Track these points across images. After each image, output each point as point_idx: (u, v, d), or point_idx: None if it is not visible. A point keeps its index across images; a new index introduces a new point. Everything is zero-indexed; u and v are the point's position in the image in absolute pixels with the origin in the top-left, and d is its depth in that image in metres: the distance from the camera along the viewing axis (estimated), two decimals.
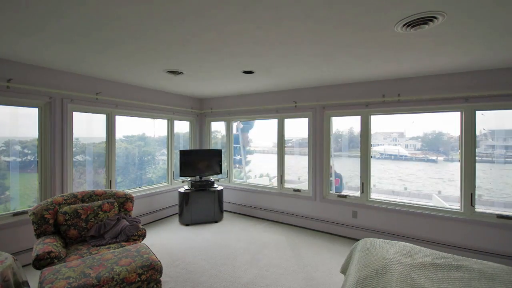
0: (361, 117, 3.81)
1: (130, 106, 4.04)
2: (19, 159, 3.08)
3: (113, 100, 3.79)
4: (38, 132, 3.13)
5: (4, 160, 2.97)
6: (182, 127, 5.29)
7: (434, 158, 3.89)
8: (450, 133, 3.61)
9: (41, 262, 2.06)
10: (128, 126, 4.31)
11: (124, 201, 3.02)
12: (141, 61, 2.83)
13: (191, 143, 5.42)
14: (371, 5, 1.61)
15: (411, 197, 3.91)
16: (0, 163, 2.95)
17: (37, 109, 3.11)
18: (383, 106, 3.58)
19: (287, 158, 4.60)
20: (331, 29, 1.97)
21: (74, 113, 3.40)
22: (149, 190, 4.45)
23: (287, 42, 2.24)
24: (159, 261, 2.13)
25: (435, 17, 1.74)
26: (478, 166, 3.12)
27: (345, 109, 3.88)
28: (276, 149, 4.65)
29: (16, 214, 2.91)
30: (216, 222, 4.39)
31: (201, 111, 5.47)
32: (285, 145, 4.61)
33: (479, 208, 3.12)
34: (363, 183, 3.78)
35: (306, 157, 4.26)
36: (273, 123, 4.71)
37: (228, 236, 3.78)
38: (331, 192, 4.08)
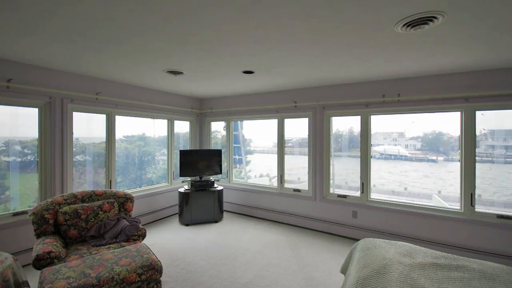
0: (361, 117, 3.81)
1: (130, 106, 4.04)
2: (19, 159, 3.08)
3: (113, 100, 3.79)
4: (38, 132, 3.13)
5: (4, 160, 2.97)
6: (182, 127, 5.29)
7: (434, 158, 3.89)
8: (450, 133, 3.61)
9: (41, 262, 2.06)
10: (128, 126, 4.31)
11: (124, 201, 3.02)
12: (141, 61, 2.83)
13: (191, 143, 5.42)
14: (371, 4, 1.61)
15: (411, 197, 3.91)
16: (0, 163, 2.95)
17: (37, 109, 3.11)
18: (383, 106, 3.58)
19: (287, 158, 4.60)
20: (331, 29, 1.97)
21: (74, 113, 3.40)
22: (149, 190, 4.45)
23: (287, 42, 2.24)
24: (159, 261, 2.13)
25: (435, 17, 1.74)
26: (478, 166, 3.12)
27: (345, 109, 3.88)
28: (276, 149, 4.65)
29: (16, 214, 2.91)
30: (216, 222, 4.39)
31: (201, 111, 5.47)
32: (285, 145, 4.61)
33: (479, 208, 3.12)
34: (363, 183, 3.78)
35: (306, 157, 4.26)
36: (273, 123, 4.71)
37: (228, 236, 3.78)
38: (331, 192, 4.08)
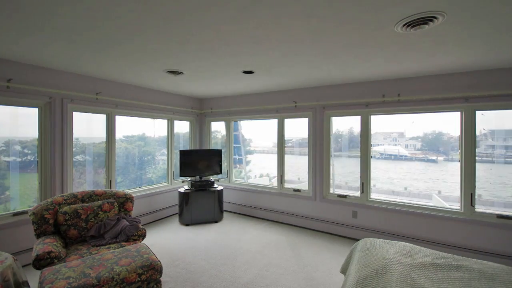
0: (361, 117, 3.81)
1: (130, 106, 4.04)
2: (19, 159, 3.08)
3: (113, 100, 3.79)
4: (38, 132, 3.13)
5: (4, 160, 2.97)
6: (182, 127, 5.29)
7: (434, 158, 3.89)
8: (450, 133, 3.61)
9: (41, 262, 2.06)
10: (128, 126, 4.31)
11: (124, 201, 3.02)
12: (141, 61, 2.83)
13: (191, 143, 5.42)
14: (371, 4, 1.61)
15: (411, 197, 3.91)
16: (0, 163, 2.95)
17: (37, 109, 3.11)
18: (383, 106, 3.58)
19: (287, 158, 4.60)
20: (331, 29, 1.97)
21: (74, 113, 3.40)
22: (149, 190, 4.45)
23: (287, 42, 2.24)
24: (159, 261, 2.13)
25: (435, 17, 1.74)
26: (478, 166, 3.12)
27: (345, 109, 3.88)
28: (276, 149, 4.65)
29: (16, 214, 2.91)
30: (216, 222, 4.39)
31: (201, 111, 5.47)
32: (285, 145, 4.61)
33: (479, 208, 3.12)
34: (363, 183, 3.78)
35: (306, 157, 4.26)
36: (273, 123, 4.71)
37: (228, 236, 3.78)
38: (331, 192, 4.08)
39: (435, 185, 3.86)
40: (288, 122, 4.56)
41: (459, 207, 3.22)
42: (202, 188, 4.41)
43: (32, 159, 3.14)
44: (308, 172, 4.23)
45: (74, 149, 3.45)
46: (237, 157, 5.42)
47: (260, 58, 2.68)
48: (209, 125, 5.51)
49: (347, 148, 4.27)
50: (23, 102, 2.97)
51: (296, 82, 3.80)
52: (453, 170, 3.40)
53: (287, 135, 4.60)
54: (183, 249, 3.33)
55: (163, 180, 4.88)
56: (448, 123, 3.49)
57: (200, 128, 5.52)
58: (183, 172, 4.46)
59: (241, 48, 2.39)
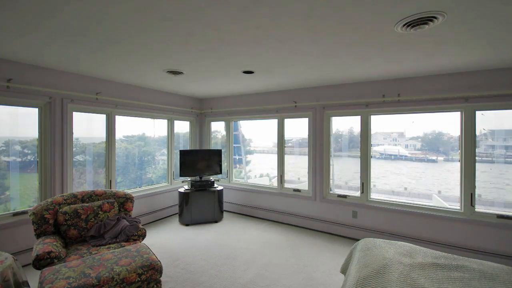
0: (361, 117, 3.81)
1: (130, 106, 4.04)
2: (19, 159, 3.08)
3: (113, 100, 3.79)
4: (38, 132, 3.13)
5: (4, 160, 2.97)
6: (182, 127, 5.29)
7: (434, 158, 3.89)
8: (450, 133, 3.61)
9: (41, 262, 2.06)
10: (128, 126, 4.31)
11: (124, 201, 3.02)
12: (141, 61, 2.83)
13: (191, 143, 5.42)
14: (371, 5, 1.61)
15: (411, 197, 3.91)
16: (0, 163, 2.95)
17: (37, 109, 3.11)
18: (383, 106, 3.58)
19: (287, 158, 4.60)
20: (331, 29, 1.97)
21: (74, 113, 3.40)
22: (149, 190, 4.45)
23: (287, 42, 2.24)
24: (159, 261, 2.13)
25: (435, 17, 1.74)
26: (478, 166, 3.12)
27: (345, 109, 3.88)
28: (276, 149, 4.65)
29: (16, 214, 2.91)
30: (216, 222, 4.39)
31: (201, 111, 5.47)
32: (285, 145, 4.61)
33: (479, 208, 3.12)
34: (363, 183, 3.78)
35: (306, 157, 4.26)
36: (273, 123, 4.71)
37: (228, 236, 3.78)
38: (331, 192, 4.08)
39: (435, 185, 3.86)
40: (288, 122, 4.56)
41: (459, 207, 3.22)
42: (202, 188, 4.41)
43: (32, 159, 3.14)
44: (308, 172, 4.23)
45: (74, 149, 3.45)
46: (237, 157, 5.42)
47: (260, 58, 2.68)
48: (209, 125, 5.51)
49: (347, 148, 4.27)
50: (23, 102, 2.97)
51: (296, 82, 3.80)
52: (453, 170, 3.40)
53: (287, 135, 4.60)
54: (183, 249, 3.33)
55: (163, 180, 4.88)
56: (448, 123, 3.49)
57: (200, 128, 5.52)
58: (183, 172, 4.46)
59: (241, 48, 2.39)
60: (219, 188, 4.52)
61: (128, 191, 4.05)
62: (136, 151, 4.55)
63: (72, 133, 3.37)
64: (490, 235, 2.98)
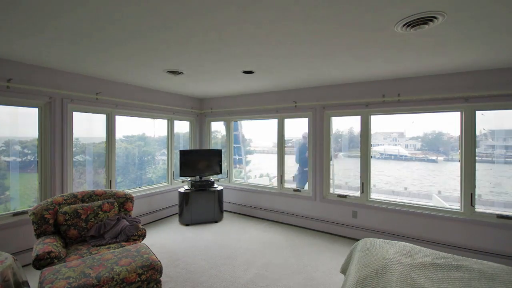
0: (361, 117, 3.81)
1: (130, 106, 4.04)
2: (19, 159, 3.08)
3: (113, 100, 3.79)
4: (38, 132, 3.13)
5: (4, 160, 2.97)
6: (182, 127, 5.29)
7: (434, 158, 3.89)
8: (450, 133, 3.61)
9: (41, 262, 2.06)
10: (128, 126, 4.31)
11: (124, 201, 3.02)
12: (141, 61, 2.83)
13: (191, 143, 5.42)
14: (371, 5, 1.61)
15: (411, 197, 3.92)
16: (0, 163, 2.95)
17: (37, 109, 3.11)
18: (383, 106, 3.58)
19: (287, 158, 4.60)
20: (331, 29, 1.97)
21: (74, 113, 3.40)
22: (149, 190, 4.45)
23: (287, 42, 2.24)
24: (159, 261, 2.13)
25: (435, 17, 1.74)
26: (478, 166, 3.12)
27: (345, 109, 3.88)
28: (276, 149, 4.65)
29: (16, 214, 2.91)
30: (216, 222, 4.39)
31: (201, 111, 5.47)
32: (285, 145, 4.61)
33: (479, 208, 3.12)
34: (363, 183, 3.78)
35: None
36: (273, 123, 4.71)
37: (228, 236, 3.78)
38: (331, 192, 4.08)
39: (435, 185, 3.86)
40: (288, 122, 4.56)
41: (459, 207, 3.22)
42: (202, 188, 4.41)
43: (32, 159, 3.14)
44: (308, 172, 4.23)
45: (74, 149, 3.45)
46: (237, 157, 5.42)
47: (260, 58, 2.68)
48: (209, 125, 5.51)
49: (347, 148, 4.27)
50: (23, 102, 2.97)
51: (296, 82, 3.80)
52: (453, 170, 3.40)
53: (287, 135, 4.60)
54: (183, 249, 3.33)
55: (163, 180, 4.88)
56: (448, 123, 3.49)
57: (200, 128, 5.52)
58: (183, 172, 4.46)
59: (242, 48, 2.39)
60: (219, 188, 4.52)
61: (128, 191, 4.05)
62: (136, 151, 4.55)
63: (72, 133, 3.37)
64: (490, 235, 2.98)
